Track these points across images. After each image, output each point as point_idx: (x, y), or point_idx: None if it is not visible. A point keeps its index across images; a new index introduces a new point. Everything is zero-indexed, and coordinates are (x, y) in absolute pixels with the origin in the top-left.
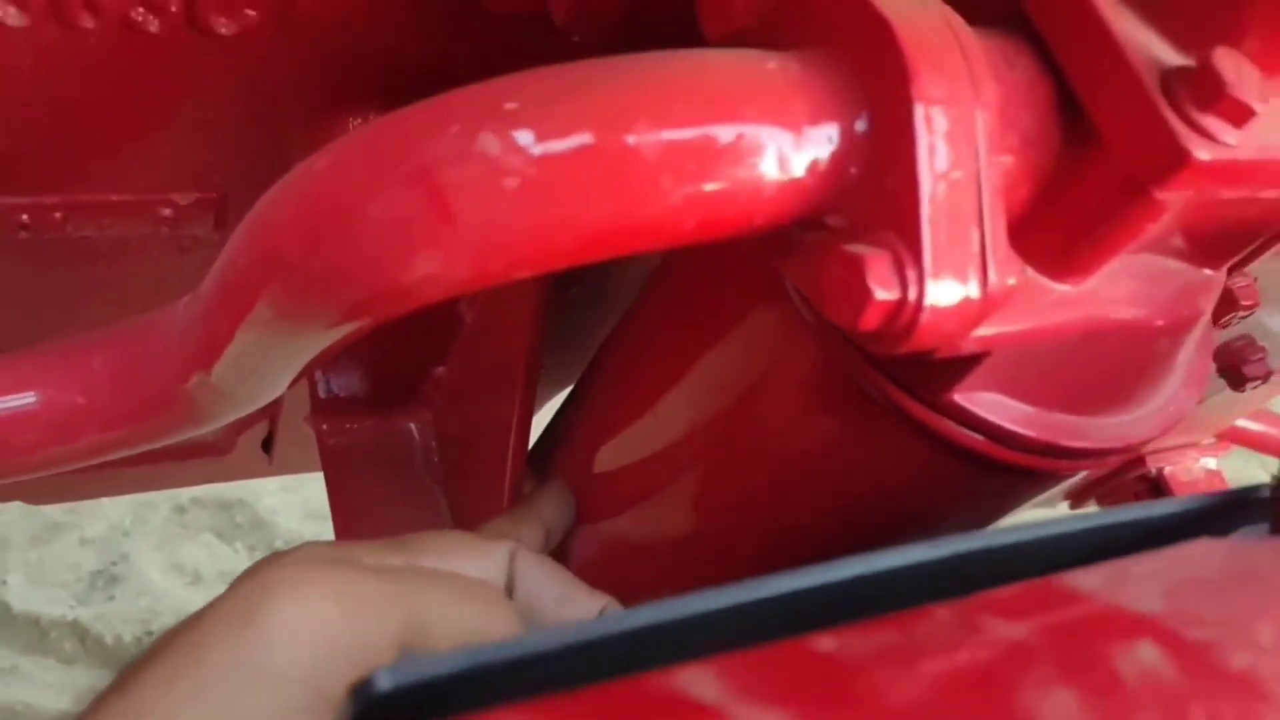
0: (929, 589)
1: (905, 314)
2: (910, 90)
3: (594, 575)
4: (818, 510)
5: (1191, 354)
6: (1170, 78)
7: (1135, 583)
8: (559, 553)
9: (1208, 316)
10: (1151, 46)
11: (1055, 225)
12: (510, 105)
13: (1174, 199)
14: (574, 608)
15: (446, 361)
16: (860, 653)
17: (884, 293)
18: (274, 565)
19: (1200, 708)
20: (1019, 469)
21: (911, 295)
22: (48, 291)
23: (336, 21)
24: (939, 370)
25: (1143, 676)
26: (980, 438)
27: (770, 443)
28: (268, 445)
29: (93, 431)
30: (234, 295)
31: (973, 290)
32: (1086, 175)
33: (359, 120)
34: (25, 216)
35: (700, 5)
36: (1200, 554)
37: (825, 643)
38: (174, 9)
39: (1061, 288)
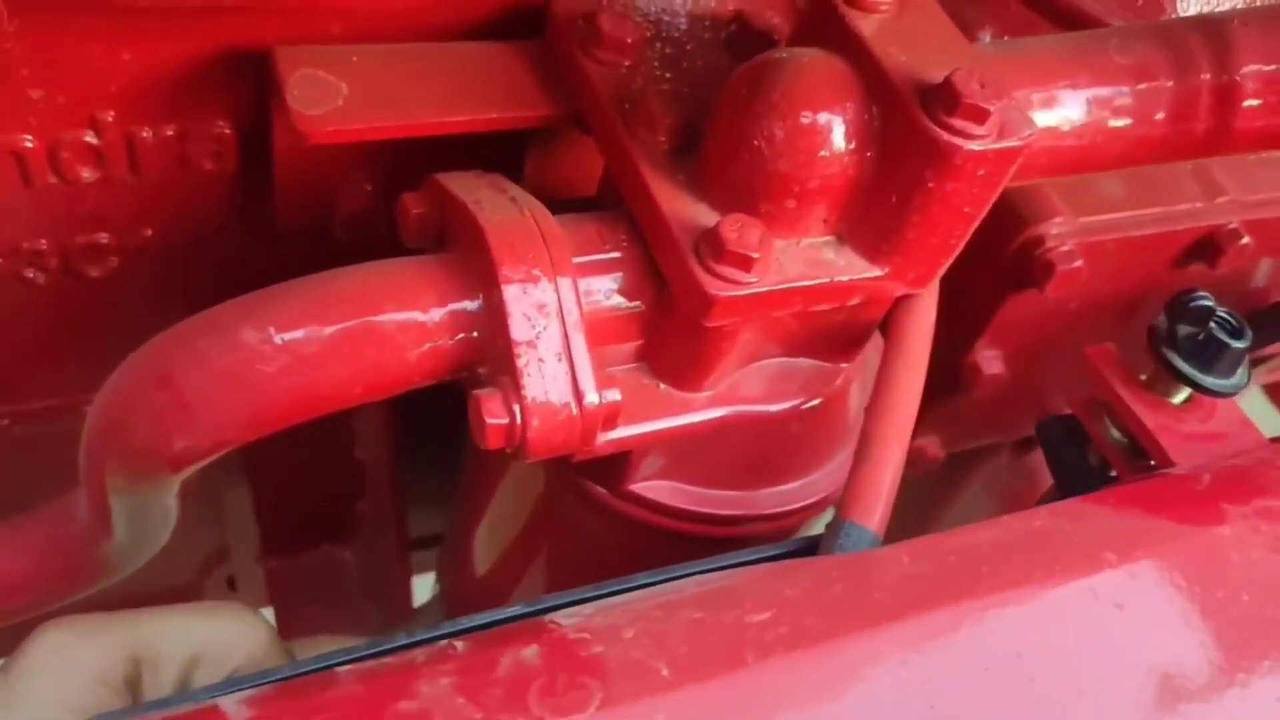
0: None
1: (517, 433)
2: (497, 275)
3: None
4: (589, 579)
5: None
6: (701, 239)
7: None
8: None
9: (849, 399)
10: (697, 215)
11: (668, 350)
12: (225, 321)
13: (730, 325)
14: None
15: (364, 495)
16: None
17: (495, 420)
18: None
19: None
20: (693, 536)
21: (519, 420)
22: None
23: (176, 256)
24: (619, 469)
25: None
26: (657, 516)
27: (553, 537)
28: (232, 584)
29: (36, 590)
30: (91, 474)
31: (571, 410)
32: (674, 314)
33: None
34: None
35: (399, 230)
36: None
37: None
38: (53, 264)
39: (692, 395)
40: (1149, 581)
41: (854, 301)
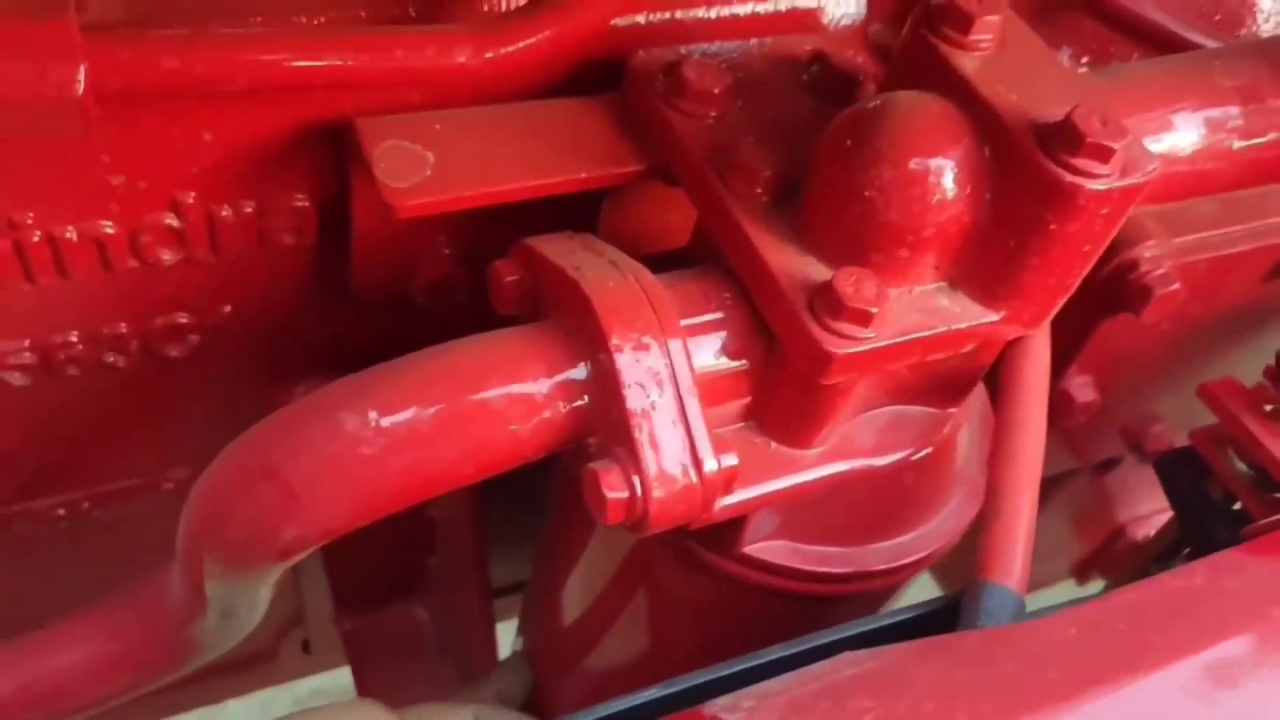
0: None
1: (639, 507)
2: (608, 342)
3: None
4: (689, 637)
5: (974, 474)
6: (815, 295)
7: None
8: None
9: (958, 445)
10: (806, 268)
11: (778, 408)
12: (328, 407)
13: (846, 381)
14: None
15: (436, 552)
16: None
17: (615, 495)
18: None
19: None
20: (805, 595)
21: (639, 492)
22: (82, 560)
23: (255, 331)
24: (729, 531)
25: None
26: (770, 576)
27: (651, 596)
28: (307, 646)
29: (126, 675)
30: (188, 561)
31: (691, 478)
32: (785, 371)
33: (301, 389)
34: (61, 510)
35: (491, 298)
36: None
37: None
38: (133, 347)
39: (804, 453)
40: None
41: (969, 347)
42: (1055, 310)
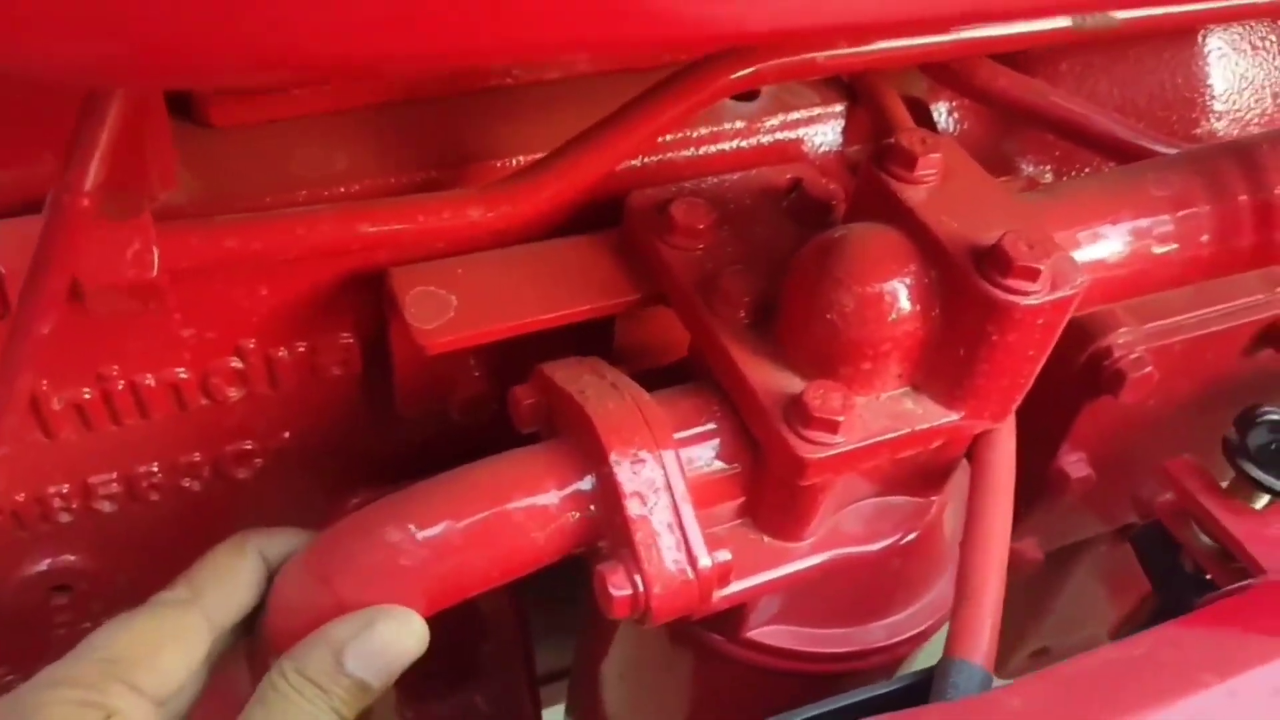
0: None
1: (642, 602)
2: (608, 458)
3: None
4: (710, 715)
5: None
6: (789, 407)
7: None
8: None
9: (943, 527)
10: (782, 382)
11: (767, 506)
12: (373, 522)
13: (820, 482)
14: None
15: (488, 638)
16: None
17: (620, 592)
18: None
19: None
20: (810, 675)
21: (641, 589)
22: None
23: (311, 450)
24: (735, 618)
25: None
26: (775, 659)
27: (673, 680)
28: None
29: None
30: (262, 650)
31: (688, 575)
32: (769, 473)
33: (356, 500)
34: None
35: (511, 418)
36: None
37: None
38: (206, 473)
39: (795, 545)
40: (1249, 698)
41: (936, 444)
42: (1014, 406)
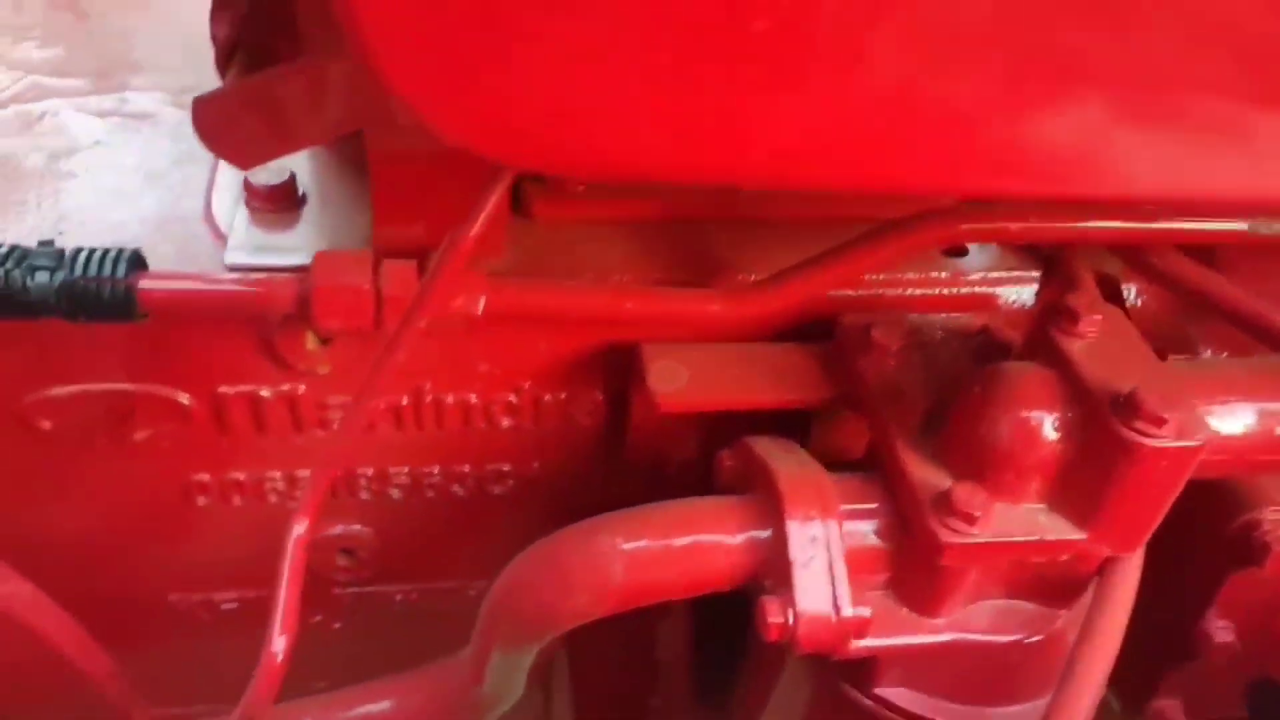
0: None
1: (790, 631)
2: (784, 513)
3: None
4: None
5: None
6: (938, 499)
7: None
8: None
9: (1067, 639)
10: (936, 479)
11: (910, 582)
12: (589, 531)
13: (958, 566)
14: None
15: (659, 691)
16: None
17: (775, 620)
18: None
19: None
20: None
21: (791, 620)
22: (403, 637)
23: (552, 482)
24: (869, 674)
25: None
26: (894, 715)
27: None
28: None
29: None
30: (484, 636)
31: (831, 618)
32: (915, 553)
33: None
34: (399, 596)
35: (713, 475)
36: None
37: None
38: (470, 483)
39: (930, 620)
40: None
41: (1064, 558)
42: (1143, 540)
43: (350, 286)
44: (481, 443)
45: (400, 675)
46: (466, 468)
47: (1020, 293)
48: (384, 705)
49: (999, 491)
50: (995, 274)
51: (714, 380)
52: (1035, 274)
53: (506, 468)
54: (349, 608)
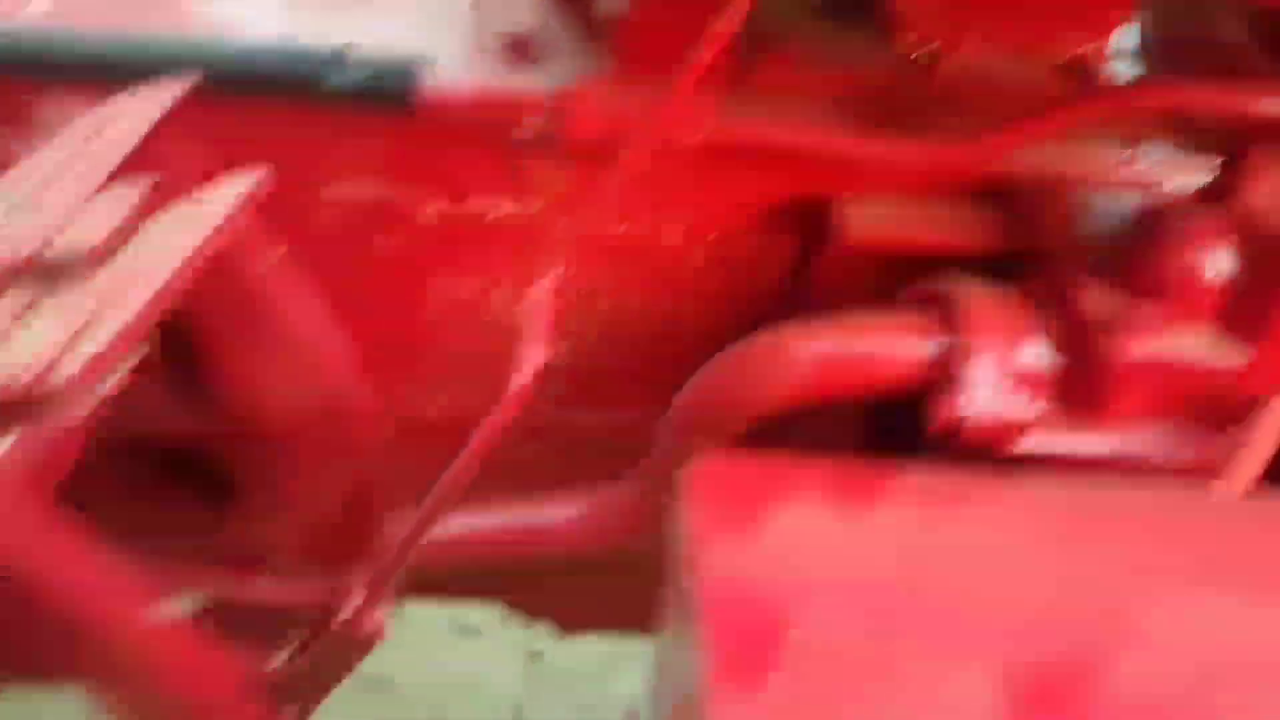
0: None
1: (957, 424)
2: (962, 325)
3: None
4: None
5: None
6: (1111, 317)
7: None
8: None
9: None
10: (1113, 302)
11: (1077, 398)
12: (780, 334)
13: (1128, 381)
14: None
15: None
16: None
17: (946, 412)
18: None
19: None
20: None
21: (959, 414)
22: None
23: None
24: None
25: None
26: None
27: None
28: None
29: (589, 538)
30: (670, 438)
31: (996, 415)
32: (1084, 367)
33: None
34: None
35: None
36: None
37: None
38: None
39: (1090, 435)
40: None
41: (1225, 384)
42: None
43: (602, 101)
44: (675, 280)
45: (574, 491)
46: (662, 303)
47: (1190, 181)
48: (553, 514)
49: (1171, 317)
50: (1167, 161)
51: (900, 222)
52: (1203, 165)
53: (697, 307)
54: (536, 432)
